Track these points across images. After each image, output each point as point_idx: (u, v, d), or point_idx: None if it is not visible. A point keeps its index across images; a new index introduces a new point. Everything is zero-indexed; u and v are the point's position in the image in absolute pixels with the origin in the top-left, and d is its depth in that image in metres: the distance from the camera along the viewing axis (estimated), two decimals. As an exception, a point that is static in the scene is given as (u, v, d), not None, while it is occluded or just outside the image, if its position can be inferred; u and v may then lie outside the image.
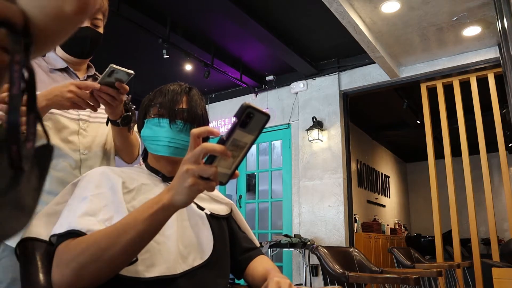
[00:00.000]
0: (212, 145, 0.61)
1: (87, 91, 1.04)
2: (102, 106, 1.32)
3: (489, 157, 3.91)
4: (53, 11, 0.34)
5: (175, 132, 0.94)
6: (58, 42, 0.39)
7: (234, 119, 0.60)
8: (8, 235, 0.34)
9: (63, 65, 1.29)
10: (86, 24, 1.24)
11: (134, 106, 1.15)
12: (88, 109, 1.28)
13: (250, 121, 0.60)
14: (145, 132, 0.98)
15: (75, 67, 1.33)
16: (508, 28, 2.22)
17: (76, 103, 1.05)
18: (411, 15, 3.28)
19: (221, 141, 0.61)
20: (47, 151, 0.40)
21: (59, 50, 1.31)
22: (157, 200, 0.70)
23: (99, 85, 1.03)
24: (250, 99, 5.17)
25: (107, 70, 1.01)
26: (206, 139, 0.67)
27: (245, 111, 0.59)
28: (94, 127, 1.30)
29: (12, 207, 0.34)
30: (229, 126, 0.61)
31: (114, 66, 1.00)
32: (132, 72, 1.04)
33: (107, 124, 1.24)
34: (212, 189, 0.65)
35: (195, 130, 0.65)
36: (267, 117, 0.61)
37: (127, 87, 1.07)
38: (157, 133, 0.95)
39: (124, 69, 1.02)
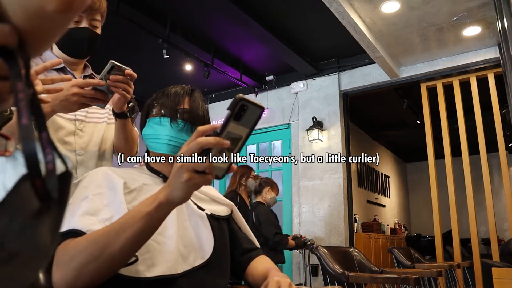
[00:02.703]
0: (206, 138, 0.61)
1: (90, 88, 1.05)
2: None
3: (489, 157, 3.91)
4: (34, 10, 0.31)
5: (175, 131, 0.95)
6: (48, 44, 0.36)
7: (227, 111, 0.59)
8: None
9: (60, 65, 1.29)
10: (84, 24, 1.24)
11: (134, 96, 1.16)
12: (84, 110, 1.28)
13: (244, 114, 0.60)
14: (147, 131, 1.00)
15: (72, 67, 1.33)
16: (508, 28, 2.22)
17: (83, 103, 1.05)
18: (411, 15, 3.28)
19: (215, 134, 0.61)
20: (66, 179, 0.35)
21: (56, 49, 1.31)
22: (155, 198, 0.70)
23: (99, 80, 1.04)
24: (250, 99, 5.17)
25: (107, 66, 1.03)
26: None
27: (238, 103, 0.59)
28: (90, 127, 1.30)
29: (28, 251, 0.30)
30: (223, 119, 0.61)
31: (114, 62, 1.02)
32: (130, 69, 1.06)
33: (115, 119, 1.24)
34: (208, 183, 0.65)
35: (200, 128, 0.66)
36: (261, 109, 0.61)
37: (135, 74, 1.09)
38: (158, 132, 0.97)
39: (123, 66, 1.04)
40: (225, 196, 3.09)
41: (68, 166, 0.35)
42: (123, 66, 1.04)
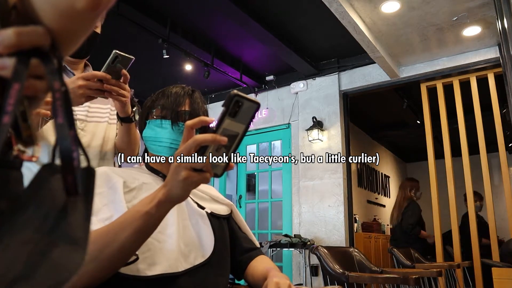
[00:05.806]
0: (203, 135, 0.61)
1: (95, 80, 1.04)
2: (97, 105, 1.32)
3: (489, 157, 3.91)
4: (65, 9, 0.32)
5: (176, 134, 0.95)
6: (76, 43, 0.38)
7: (222, 108, 0.59)
8: (65, 278, 0.30)
9: None
10: None
11: (137, 99, 1.16)
12: (85, 109, 1.28)
13: (240, 110, 0.59)
14: (147, 133, 0.99)
15: (72, 66, 1.33)
16: (508, 28, 2.22)
17: (89, 95, 1.05)
18: (411, 15, 3.28)
19: (211, 131, 0.61)
20: (90, 174, 0.36)
21: None
22: (153, 197, 0.70)
23: (105, 74, 1.03)
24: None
25: (111, 56, 1.03)
26: (201, 133, 0.67)
27: (233, 99, 0.59)
28: (91, 126, 1.30)
29: (65, 242, 0.31)
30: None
31: (118, 51, 1.02)
32: (132, 57, 1.06)
33: (121, 124, 1.24)
34: (207, 181, 0.65)
35: (189, 122, 0.66)
36: (257, 105, 0.60)
37: (128, 75, 1.08)
38: (159, 134, 0.96)
39: (126, 54, 1.05)
40: (404, 208, 3.98)
41: (91, 163, 0.36)
42: (126, 54, 1.04)
